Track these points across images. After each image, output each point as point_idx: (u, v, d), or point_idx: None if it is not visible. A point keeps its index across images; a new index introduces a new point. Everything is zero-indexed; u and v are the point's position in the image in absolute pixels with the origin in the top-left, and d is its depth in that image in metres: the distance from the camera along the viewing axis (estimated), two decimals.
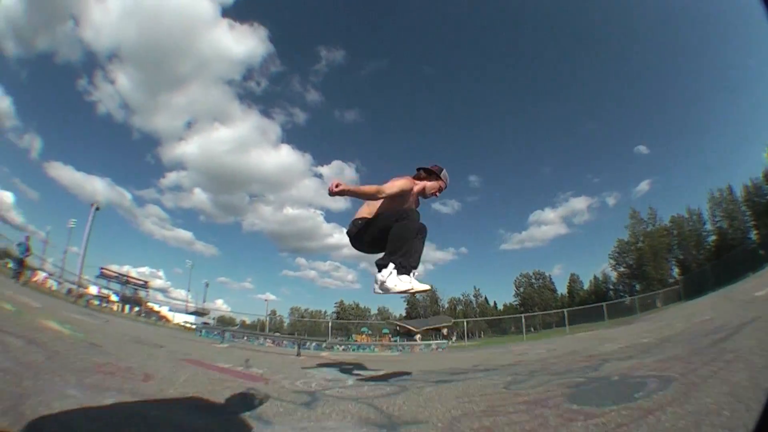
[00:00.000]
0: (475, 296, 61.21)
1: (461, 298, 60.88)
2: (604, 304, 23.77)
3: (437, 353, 13.60)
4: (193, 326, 23.05)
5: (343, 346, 23.64)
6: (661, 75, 70.58)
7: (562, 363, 4.50)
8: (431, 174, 3.07)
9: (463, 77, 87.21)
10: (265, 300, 70.48)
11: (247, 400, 2.46)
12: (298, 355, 8.86)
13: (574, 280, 56.64)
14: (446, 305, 59.02)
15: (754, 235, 36.02)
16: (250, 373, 4.17)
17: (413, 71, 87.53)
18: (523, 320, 24.85)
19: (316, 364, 5.99)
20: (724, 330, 4.00)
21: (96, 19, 60.76)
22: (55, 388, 1.82)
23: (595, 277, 53.94)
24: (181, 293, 50.73)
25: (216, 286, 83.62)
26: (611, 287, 48.20)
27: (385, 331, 34.65)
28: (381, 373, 4.65)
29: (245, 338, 21.05)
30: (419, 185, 3.02)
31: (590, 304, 27.80)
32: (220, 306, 64.88)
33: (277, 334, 23.00)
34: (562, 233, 69.87)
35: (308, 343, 21.91)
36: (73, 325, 5.46)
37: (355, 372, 4.83)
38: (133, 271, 57.04)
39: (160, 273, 67.55)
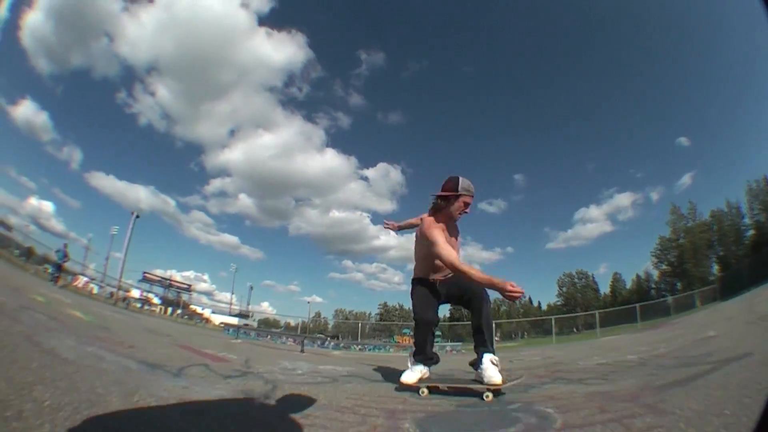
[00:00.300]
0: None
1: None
2: (637, 305, 22.81)
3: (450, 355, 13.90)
4: (222, 326, 24.43)
5: (360, 346, 24.29)
6: (698, 66, 68.32)
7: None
8: (449, 198, 2.82)
9: (504, 75, 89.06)
10: (308, 302, 72.32)
11: (193, 371, 2.92)
12: (302, 351, 9.50)
13: (616, 279, 55.57)
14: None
15: None
16: (221, 356, 4.51)
17: (454, 71, 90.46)
18: (553, 321, 24.64)
19: (304, 358, 6.26)
20: (707, 361, 2.86)
21: (131, 34, 66.19)
22: (51, 341, 2.52)
23: (638, 276, 52.61)
24: (225, 296, 53.10)
25: (262, 289, 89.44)
26: (653, 286, 47.21)
27: None
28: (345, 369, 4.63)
29: (269, 337, 22.15)
30: (443, 218, 2.87)
31: (626, 305, 26.82)
32: (266, 308, 68.73)
33: (300, 333, 23.91)
34: (607, 231, 70.74)
35: (329, 342, 22.69)
36: (96, 316, 6.22)
37: (341, 369, 4.67)
38: (178, 276, 59.76)
39: (205, 277, 73.19)
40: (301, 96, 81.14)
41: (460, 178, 2.82)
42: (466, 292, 2.84)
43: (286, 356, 6.51)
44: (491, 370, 2.49)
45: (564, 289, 57.75)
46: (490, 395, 2.32)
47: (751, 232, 38.10)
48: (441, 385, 2.67)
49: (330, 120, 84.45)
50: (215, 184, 76.94)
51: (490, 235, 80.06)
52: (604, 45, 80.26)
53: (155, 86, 71.67)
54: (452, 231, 2.92)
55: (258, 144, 78.93)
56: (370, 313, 67.51)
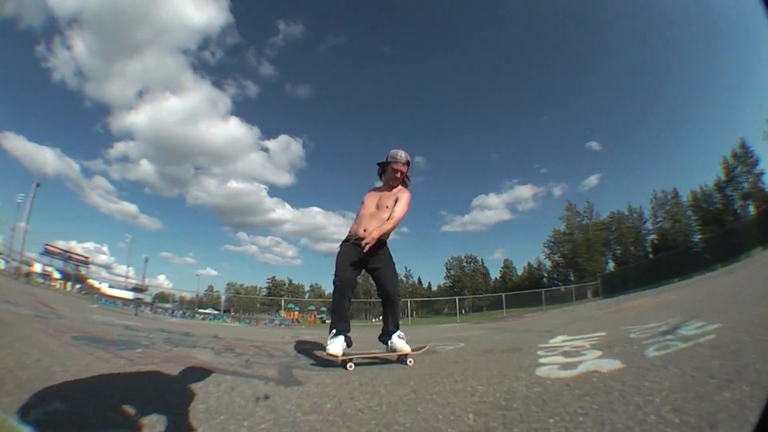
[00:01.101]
0: (406, 276, 62.87)
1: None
2: (543, 290, 25.89)
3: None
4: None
5: (203, 317, 23.82)
6: (622, 75, 73.85)
7: None
8: (383, 166, 3.36)
9: (420, 59, 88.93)
10: (197, 275, 71.46)
11: None
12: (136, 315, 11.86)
13: (507, 266, 59.91)
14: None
15: (697, 239, 38.02)
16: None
17: (370, 50, 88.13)
18: (457, 302, 27.07)
19: (120, 322, 6.29)
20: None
21: None
22: None
23: (529, 264, 57.02)
24: (123, 269, 49.72)
25: (160, 261, 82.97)
26: (545, 275, 50.62)
27: (311, 308, 34.35)
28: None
29: (131, 306, 20.04)
30: (384, 185, 3.40)
31: (526, 290, 30.39)
32: (162, 282, 64.51)
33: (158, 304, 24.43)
34: (506, 219, 73.21)
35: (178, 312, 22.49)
36: None
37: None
38: (78, 247, 54.54)
39: (105, 248, 67.30)
40: (213, 61, 76.25)
41: (393, 150, 3.29)
42: (380, 275, 3.18)
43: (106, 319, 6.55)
44: (400, 343, 3.07)
45: (452, 272, 59.96)
46: (412, 360, 2.94)
47: (653, 236, 41.85)
48: (363, 357, 3.05)
49: (238, 88, 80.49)
50: (119, 147, 70.73)
51: None
52: (525, 39, 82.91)
53: (74, 40, 65.31)
54: (386, 190, 3.34)
55: (164, 108, 74.23)
56: (260, 287, 67.48)
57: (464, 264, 60.80)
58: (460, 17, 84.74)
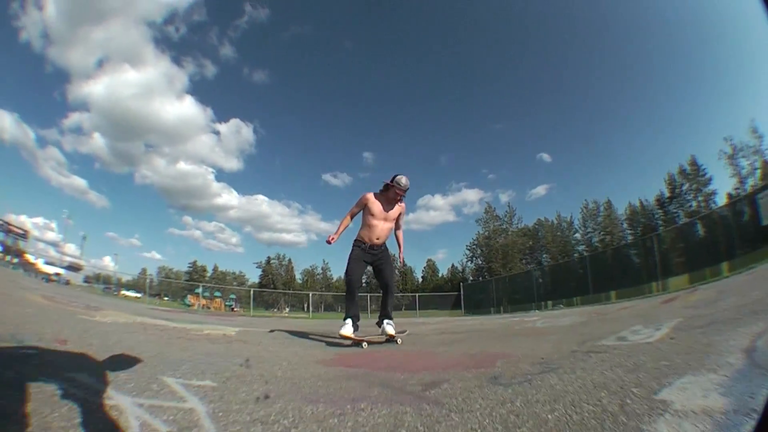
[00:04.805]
0: (323, 269, 65.28)
1: (310, 269, 64.56)
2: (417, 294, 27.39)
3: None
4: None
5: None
6: (578, 89, 75.10)
7: None
8: (387, 186, 4.11)
9: (380, 57, 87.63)
10: (114, 256, 67.33)
11: None
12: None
13: (430, 266, 61.89)
14: (300, 277, 62.73)
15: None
16: None
17: (332, 44, 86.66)
18: (417, 298, 27.45)
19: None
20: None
21: None
22: None
23: (453, 266, 58.26)
24: (71, 247, 47.40)
25: (105, 241, 79.14)
26: (470, 278, 49.28)
27: (217, 294, 34.91)
28: None
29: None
30: (379, 197, 4.18)
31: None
32: (107, 263, 61.80)
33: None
34: (450, 220, 75.01)
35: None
36: None
37: None
38: (28, 222, 54.62)
39: (53, 225, 65.60)
40: (176, 37, 73.34)
41: (399, 176, 4.07)
42: (383, 273, 4.20)
43: None
44: (389, 329, 4.00)
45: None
46: (400, 340, 3.99)
47: (583, 247, 43.69)
48: (372, 340, 3.92)
49: (196, 66, 77.66)
50: (73, 117, 68.15)
51: (330, 207, 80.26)
52: (484, 44, 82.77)
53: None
54: (389, 205, 4.18)
55: (121, 80, 71.21)
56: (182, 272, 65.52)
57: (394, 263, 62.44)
58: (422, 18, 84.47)
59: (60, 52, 78.89)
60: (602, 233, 42.77)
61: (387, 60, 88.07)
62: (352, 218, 4.32)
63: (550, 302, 18.01)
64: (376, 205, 4.13)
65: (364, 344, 3.67)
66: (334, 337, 4.13)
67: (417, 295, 28.66)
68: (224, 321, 7.90)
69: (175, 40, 73.66)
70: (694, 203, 35.95)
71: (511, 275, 31.57)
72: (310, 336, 4.68)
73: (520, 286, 23.48)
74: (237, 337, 4.19)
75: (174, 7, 75.60)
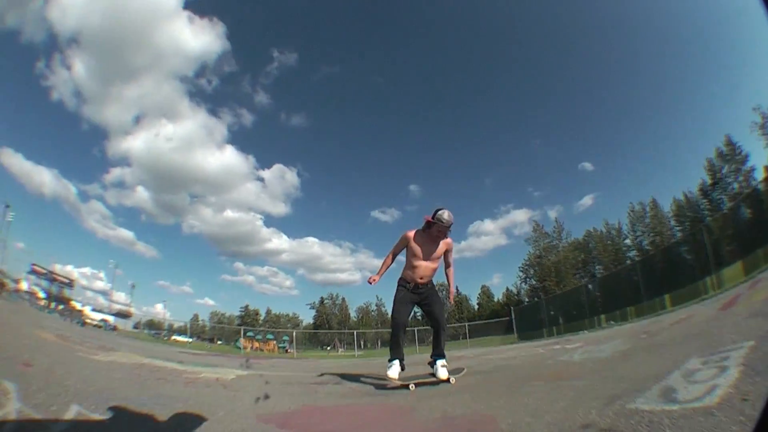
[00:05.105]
0: (377, 305, 64.44)
1: (365, 306, 64.19)
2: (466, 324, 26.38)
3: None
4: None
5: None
6: (605, 90, 73.17)
7: None
8: (429, 223, 3.83)
9: (410, 89, 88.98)
10: (164, 303, 69.69)
11: None
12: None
13: (485, 292, 59.38)
14: (355, 315, 62.50)
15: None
16: None
17: (363, 80, 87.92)
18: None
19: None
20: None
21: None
22: None
23: (508, 289, 55.87)
24: (120, 296, 47.78)
25: (156, 290, 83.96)
26: (526, 300, 48.15)
27: (270, 336, 34.75)
28: None
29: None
30: (422, 234, 3.93)
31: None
32: (159, 310, 61.03)
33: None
34: (502, 244, 72.93)
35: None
36: None
37: None
38: (75, 272, 54.04)
39: (101, 274, 65.06)
40: (210, 89, 75.93)
41: (441, 211, 3.76)
42: (432, 310, 4.01)
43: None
44: (442, 372, 3.74)
45: None
46: (453, 380, 3.70)
47: (635, 252, 41.02)
48: (419, 381, 3.71)
49: (233, 116, 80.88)
50: (115, 172, 70.08)
51: (381, 243, 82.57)
52: (522, 56, 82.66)
53: (73, 60, 64.37)
54: (433, 243, 3.92)
55: (160, 134, 73.36)
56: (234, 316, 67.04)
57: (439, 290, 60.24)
58: (451, 44, 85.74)
59: (95, 110, 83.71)
60: (652, 234, 40.08)
61: (416, 92, 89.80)
62: (394, 258, 4.18)
63: (603, 317, 17.09)
64: (418, 244, 3.93)
65: (411, 386, 3.55)
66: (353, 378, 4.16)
67: (467, 324, 27.79)
68: (251, 363, 7.71)
69: (209, 92, 76.61)
70: (736, 185, 32.86)
71: (560, 293, 30.09)
72: (313, 383, 4.35)
73: (572, 303, 22.41)
74: (228, 382, 4.03)
75: (203, 60, 77.22)
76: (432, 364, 3.91)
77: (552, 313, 22.44)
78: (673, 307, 11.72)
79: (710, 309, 5.75)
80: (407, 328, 4.18)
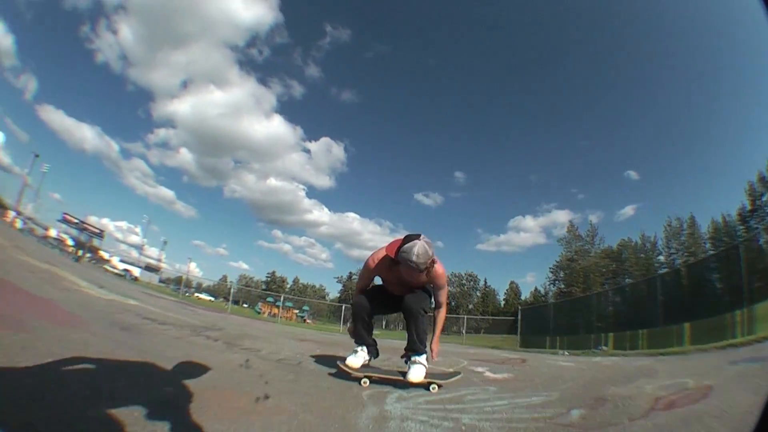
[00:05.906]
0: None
1: None
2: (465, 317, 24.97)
3: None
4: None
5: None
6: (664, 105, 69.98)
7: None
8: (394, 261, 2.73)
9: (465, 73, 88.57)
10: (188, 260, 69.02)
11: None
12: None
13: (513, 289, 56.88)
14: None
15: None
16: None
17: (417, 61, 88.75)
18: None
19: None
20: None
21: None
22: None
23: (536, 289, 53.95)
24: (154, 252, 50.74)
25: (191, 249, 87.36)
26: (553, 301, 47.49)
27: (289, 304, 34.81)
28: None
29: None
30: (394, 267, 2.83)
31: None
32: (192, 269, 63.52)
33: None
34: (541, 243, 70.43)
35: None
36: None
37: None
38: (111, 225, 59.85)
39: (137, 229, 68.59)
40: (260, 59, 78.46)
41: (410, 245, 2.54)
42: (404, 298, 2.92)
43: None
44: (415, 374, 2.75)
45: (450, 289, 58.49)
46: (435, 387, 2.75)
47: (666, 270, 38.14)
48: (377, 376, 2.88)
49: (283, 87, 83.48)
50: (159, 133, 75.76)
51: (423, 227, 79.52)
52: (574, 61, 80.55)
53: (119, 25, 68.19)
54: (406, 285, 2.88)
55: (208, 100, 77.26)
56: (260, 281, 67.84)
57: (463, 282, 58.89)
58: (513, 34, 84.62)
59: (141, 73, 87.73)
60: (686, 254, 37.05)
61: (472, 78, 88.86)
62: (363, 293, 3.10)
63: (611, 335, 15.21)
64: (387, 280, 3.04)
65: (365, 381, 2.75)
66: None
67: (465, 317, 26.47)
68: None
69: (260, 62, 79.26)
70: None
71: (569, 300, 28.04)
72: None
73: (579, 313, 20.46)
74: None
75: (255, 30, 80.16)
76: (406, 360, 3.01)
77: (558, 321, 20.70)
78: (692, 342, 9.77)
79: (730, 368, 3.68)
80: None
